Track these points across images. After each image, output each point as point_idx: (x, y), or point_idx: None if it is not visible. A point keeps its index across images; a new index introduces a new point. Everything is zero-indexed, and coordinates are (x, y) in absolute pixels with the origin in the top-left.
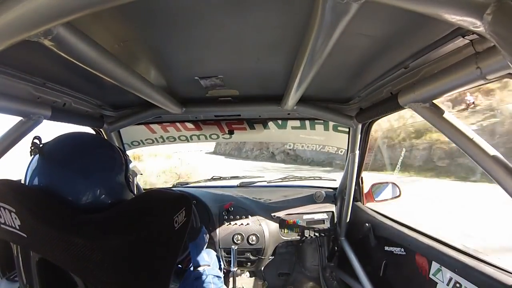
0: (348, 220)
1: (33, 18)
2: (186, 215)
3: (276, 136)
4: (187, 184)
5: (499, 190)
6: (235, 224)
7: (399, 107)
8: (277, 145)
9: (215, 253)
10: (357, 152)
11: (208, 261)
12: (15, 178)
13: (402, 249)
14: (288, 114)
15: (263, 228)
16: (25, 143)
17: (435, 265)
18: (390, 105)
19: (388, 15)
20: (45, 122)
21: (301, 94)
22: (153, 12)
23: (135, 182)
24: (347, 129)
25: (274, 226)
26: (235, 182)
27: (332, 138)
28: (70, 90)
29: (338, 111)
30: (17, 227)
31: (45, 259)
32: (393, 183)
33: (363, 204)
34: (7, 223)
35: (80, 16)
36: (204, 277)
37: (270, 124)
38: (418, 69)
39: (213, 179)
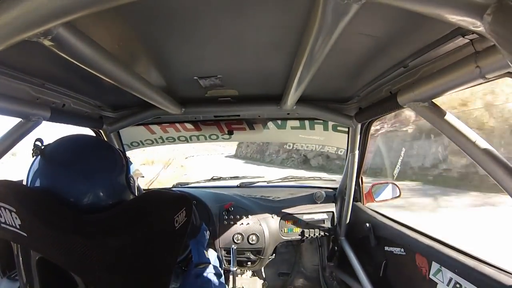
0: (348, 220)
1: (33, 18)
2: (186, 215)
3: (275, 136)
4: (187, 184)
5: None
6: (235, 224)
7: (398, 107)
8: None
9: (216, 253)
10: (357, 152)
11: (209, 259)
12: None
13: (402, 249)
14: (288, 114)
15: (263, 228)
16: (25, 144)
17: (435, 265)
18: (390, 104)
19: (388, 15)
20: (45, 123)
21: (301, 94)
22: (153, 12)
23: (136, 183)
24: (347, 129)
25: (274, 226)
26: (235, 182)
27: (331, 138)
28: (70, 91)
29: (338, 110)
30: (18, 227)
31: (45, 259)
32: (393, 183)
33: (363, 204)
34: (8, 223)
35: (80, 16)
36: (205, 274)
37: (270, 124)
38: (417, 68)
39: (213, 179)
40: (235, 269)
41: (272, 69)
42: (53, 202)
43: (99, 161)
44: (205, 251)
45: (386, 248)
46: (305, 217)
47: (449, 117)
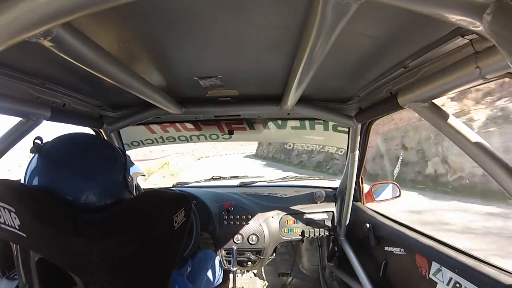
0: (348, 220)
1: (33, 18)
2: (185, 215)
3: (275, 136)
4: (187, 184)
5: None
6: (235, 224)
7: (398, 107)
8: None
9: (215, 254)
10: (357, 152)
11: None
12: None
13: (402, 249)
14: (288, 114)
15: (263, 228)
16: (25, 144)
17: (435, 265)
18: (390, 105)
19: (388, 15)
20: (45, 123)
21: (301, 94)
22: (153, 12)
23: (134, 183)
24: (347, 129)
25: (274, 226)
26: (235, 182)
27: (332, 138)
28: (70, 91)
29: (338, 111)
30: (17, 227)
31: (45, 259)
32: (393, 183)
33: (363, 204)
34: (7, 223)
35: (80, 17)
36: None
37: (270, 124)
38: (417, 68)
39: (213, 179)
40: (235, 269)
41: (272, 69)
42: (52, 202)
43: (97, 160)
44: (188, 283)
45: (386, 248)
46: (305, 217)
47: (449, 117)
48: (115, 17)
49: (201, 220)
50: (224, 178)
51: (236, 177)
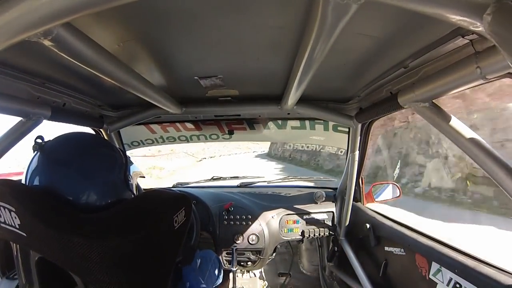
0: (348, 220)
1: (33, 18)
2: (185, 215)
3: (276, 136)
4: (187, 184)
5: None
6: (235, 224)
7: (399, 107)
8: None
9: (215, 254)
10: (357, 152)
11: (204, 286)
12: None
13: (402, 249)
14: (288, 114)
15: (263, 228)
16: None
17: (435, 266)
18: (390, 105)
19: (388, 15)
20: (45, 123)
21: (301, 94)
22: (153, 12)
23: (135, 183)
24: (347, 129)
25: (274, 226)
26: (235, 182)
27: (332, 138)
28: (70, 90)
29: (338, 111)
30: (17, 226)
31: (45, 258)
32: (394, 184)
33: (363, 204)
34: (7, 222)
35: (80, 16)
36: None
37: (270, 124)
38: (418, 68)
39: (213, 179)
40: (235, 269)
41: (272, 69)
42: (52, 202)
43: (97, 160)
44: (199, 277)
45: (386, 248)
46: (305, 217)
47: (449, 117)
48: (115, 17)
49: (201, 220)
50: (224, 179)
51: (236, 177)
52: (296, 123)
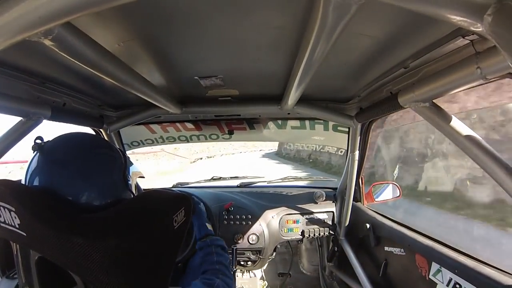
0: (348, 220)
1: (34, 17)
2: (185, 215)
3: (276, 136)
4: (187, 184)
5: None
6: (235, 224)
7: (399, 107)
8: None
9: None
10: (357, 152)
11: (211, 230)
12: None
13: (402, 250)
14: (288, 114)
15: (263, 228)
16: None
17: (435, 266)
18: (390, 105)
19: (388, 15)
20: (45, 122)
21: (301, 94)
22: (154, 12)
23: (134, 183)
24: (347, 129)
25: (274, 226)
26: (235, 182)
27: (332, 138)
28: (70, 90)
29: (338, 111)
30: (17, 226)
31: (44, 258)
32: (394, 184)
33: (363, 204)
34: (7, 222)
35: (81, 16)
36: (207, 247)
37: (270, 124)
38: (418, 69)
39: (213, 179)
40: (235, 269)
41: (272, 69)
42: (52, 201)
43: (97, 160)
44: (206, 224)
45: (386, 248)
46: (305, 217)
47: (449, 117)
48: (115, 16)
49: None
50: (224, 179)
51: (236, 177)
52: (296, 123)
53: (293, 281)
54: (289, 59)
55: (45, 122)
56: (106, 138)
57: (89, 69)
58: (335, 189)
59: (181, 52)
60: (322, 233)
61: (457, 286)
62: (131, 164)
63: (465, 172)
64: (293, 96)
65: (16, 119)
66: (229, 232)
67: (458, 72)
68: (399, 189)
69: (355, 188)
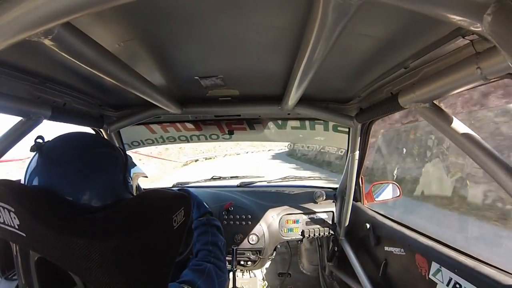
0: (348, 220)
1: (34, 17)
2: (185, 215)
3: (276, 137)
4: (187, 184)
5: None
6: (235, 224)
7: (399, 107)
8: None
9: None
10: (357, 152)
11: (209, 208)
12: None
13: (402, 249)
14: (288, 114)
15: (263, 228)
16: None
17: (435, 266)
18: (390, 105)
19: (388, 15)
20: (45, 122)
21: (301, 94)
22: (154, 12)
23: (135, 183)
24: (347, 129)
25: (274, 226)
26: (235, 182)
27: (332, 138)
28: (70, 90)
29: (338, 111)
30: (16, 227)
31: (44, 259)
32: (394, 183)
33: (363, 204)
34: (6, 223)
35: (81, 16)
36: (202, 226)
37: (270, 124)
38: (418, 69)
39: (213, 179)
40: (235, 269)
41: (273, 69)
42: (52, 202)
43: (97, 159)
44: (204, 203)
45: (386, 248)
46: (305, 217)
47: (449, 118)
48: (116, 16)
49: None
50: (224, 178)
51: (236, 177)
52: (296, 123)
53: (293, 281)
54: (289, 59)
55: (45, 122)
56: (106, 138)
57: (89, 69)
58: (335, 189)
59: (182, 52)
60: (322, 233)
61: (457, 286)
62: (134, 165)
63: None
64: (293, 97)
65: (16, 119)
66: (229, 232)
67: (458, 72)
68: (399, 189)
69: (355, 188)
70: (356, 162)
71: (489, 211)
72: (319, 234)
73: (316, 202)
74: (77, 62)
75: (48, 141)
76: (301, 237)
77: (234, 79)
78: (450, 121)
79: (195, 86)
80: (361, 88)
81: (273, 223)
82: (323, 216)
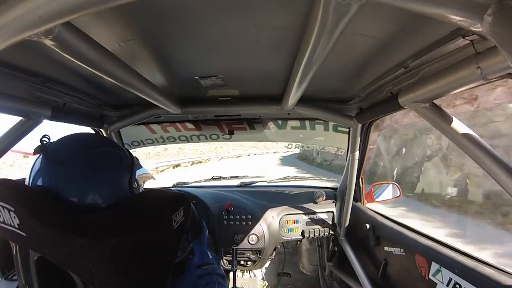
0: (348, 220)
1: (34, 17)
2: (184, 214)
3: (276, 137)
4: (187, 184)
5: None
6: (235, 224)
7: (399, 107)
8: None
9: (213, 253)
10: (357, 152)
11: (212, 259)
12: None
13: (402, 250)
14: (288, 114)
15: (263, 228)
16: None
17: (434, 266)
18: (390, 105)
19: (388, 15)
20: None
21: (301, 94)
22: (154, 12)
23: (142, 187)
24: (347, 129)
25: (274, 226)
26: (235, 182)
27: (332, 138)
28: (70, 90)
29: (338, 111)
30: (16, 226)
31: (44, 258)
32: (394, 184)
33: (363, 204)
34: (6, 222)
35: (81, 16)
36: (208, 276)
37: (270, 124)
38: (418, 69)
39: (213, 179)
40: (235, 269)
41: (273, 69)
42: (52, 201)
43: (101, 160)
44: (208, 252)
45: (386, 248)
46: (305, 217)
47: (449, 118)
48: (116, 16)
49: (200, 218)
50: (224, 178)
51: (236, 177)
52: (296, 123)
53: (293, 281)
54: (289, 59)
55: (45, 122)
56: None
57: (89, 69)
58: (335, 189)
59: (182, 52)
60: (322, 233)
61: (457, 286)
62: (140, 167)
63: None
64: (293, 96)
65: (16, 119)
66: (229, 232)
67: (458, 72)
68: (399, 189)
69: (355, 188)
70: (356, 162)
71: None
72: (319, 234)
73: (316, 202)
74: (77, 62)
75: (52, 142)
76: (301, 237)
77: (234, 79)
78: (450, 121)
79: (195, 86)
80: (361, 88)
81: (273, 223)
82: (323, 216)
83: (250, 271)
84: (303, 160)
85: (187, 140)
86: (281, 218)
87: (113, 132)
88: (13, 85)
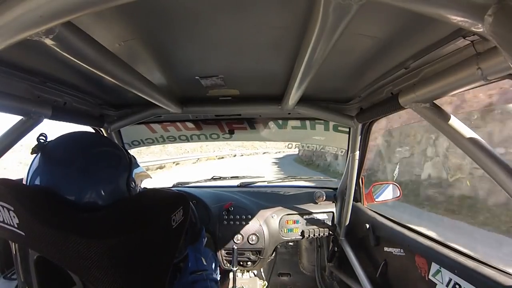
0: (348, 220)
1: (35, 17)
2: (183, 214)
3: (276, 136)
4: (187, 184)
5: None
6: (235, 224)
7: (399, 107)
8: None
9: (212, 253)
10: (358, 152)
11: (206, 266)
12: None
13: (402, 250)
14: (289, 114)
15: (263, 228)
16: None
17: (434, 266)
18: (391, 105)
19: (389, 16)
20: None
21: (302, 94)
22: (154, 11)
23: (139, 186)
24: (348, 129)
25: (274, 226)
26: (235, 182)
27: (332, 138)
28: (71, 89)
29: (339, 111)
30: (15, 225)
31: (43, 258)
32: (394, 184)
33: (363, 204)
34: (6, 222)
35: (82, 15)
36: (203, 281)
37: (271, 123)
38: (418, 69)
39: (213, 179)
40: (235, 269)
41: (273, 69)
42: (51, 201)
43: (99, 158)
44: (202, 258)
45: (386, 248)
46: (305, 217)
47: (450, 118)
48: (116, 16)
49: (201, 220)
50: (224, 178)
51: (236, 177)
52: (297, 123)
53: (293, 281)
54: (289, 59)
55: (45, 122)
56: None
57: (89, 68)
58: (335, 189)
59: (182, 51)
60: (322, 234)
61: (457, 286)
62: (137, 166)
63: None
64: (293, 96)
65: (16, 118)
66: (229, 232)
67: (458, 73)
68: (399, 189)
69: (355, 188)
70: (357, 162)
71: None
72: (319, 235)
73: (316, 203)
74: (78, 62)
75: (50, 141)
76: (301, 237)
77: (235, 79)
78: (450, 121)
79: (196, 86)
80: (362, 88)
81: (273, 223)
82: (323, 216)
83: (250, 271)
84: (298, 162)
85: (187, 139)
86: (281, 218)
87: (113, 132)
88: (13, 84)
